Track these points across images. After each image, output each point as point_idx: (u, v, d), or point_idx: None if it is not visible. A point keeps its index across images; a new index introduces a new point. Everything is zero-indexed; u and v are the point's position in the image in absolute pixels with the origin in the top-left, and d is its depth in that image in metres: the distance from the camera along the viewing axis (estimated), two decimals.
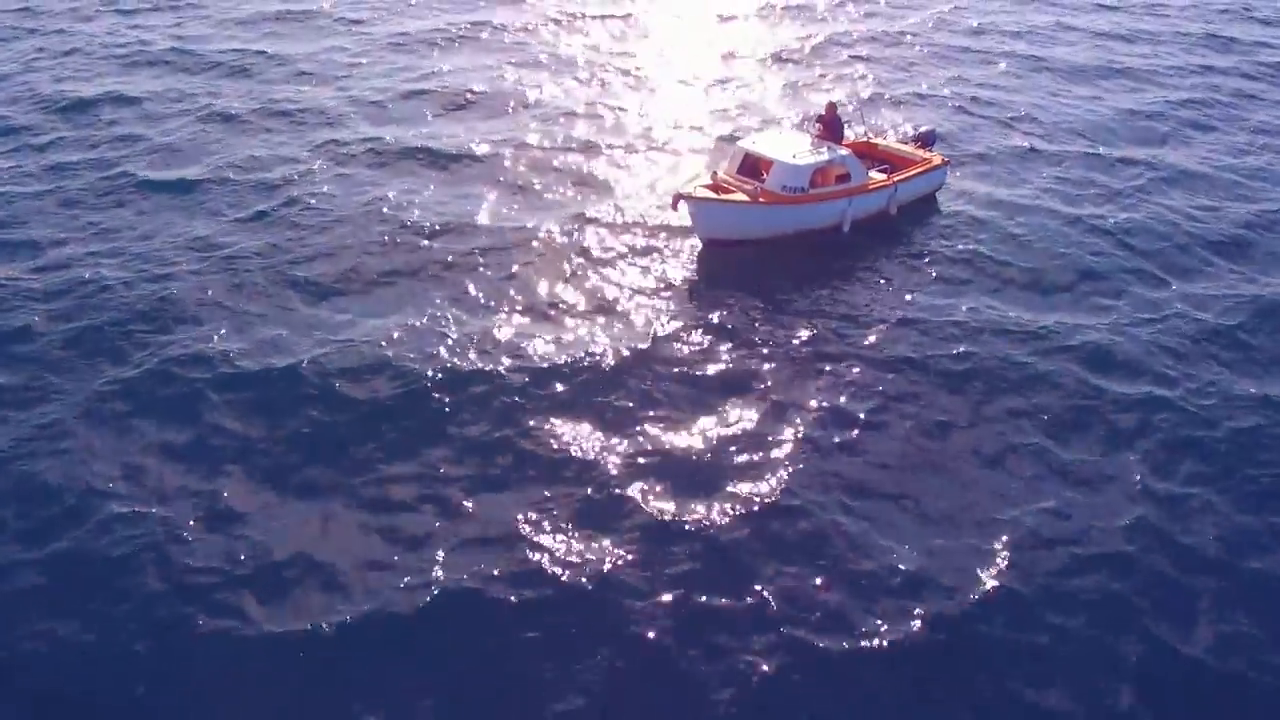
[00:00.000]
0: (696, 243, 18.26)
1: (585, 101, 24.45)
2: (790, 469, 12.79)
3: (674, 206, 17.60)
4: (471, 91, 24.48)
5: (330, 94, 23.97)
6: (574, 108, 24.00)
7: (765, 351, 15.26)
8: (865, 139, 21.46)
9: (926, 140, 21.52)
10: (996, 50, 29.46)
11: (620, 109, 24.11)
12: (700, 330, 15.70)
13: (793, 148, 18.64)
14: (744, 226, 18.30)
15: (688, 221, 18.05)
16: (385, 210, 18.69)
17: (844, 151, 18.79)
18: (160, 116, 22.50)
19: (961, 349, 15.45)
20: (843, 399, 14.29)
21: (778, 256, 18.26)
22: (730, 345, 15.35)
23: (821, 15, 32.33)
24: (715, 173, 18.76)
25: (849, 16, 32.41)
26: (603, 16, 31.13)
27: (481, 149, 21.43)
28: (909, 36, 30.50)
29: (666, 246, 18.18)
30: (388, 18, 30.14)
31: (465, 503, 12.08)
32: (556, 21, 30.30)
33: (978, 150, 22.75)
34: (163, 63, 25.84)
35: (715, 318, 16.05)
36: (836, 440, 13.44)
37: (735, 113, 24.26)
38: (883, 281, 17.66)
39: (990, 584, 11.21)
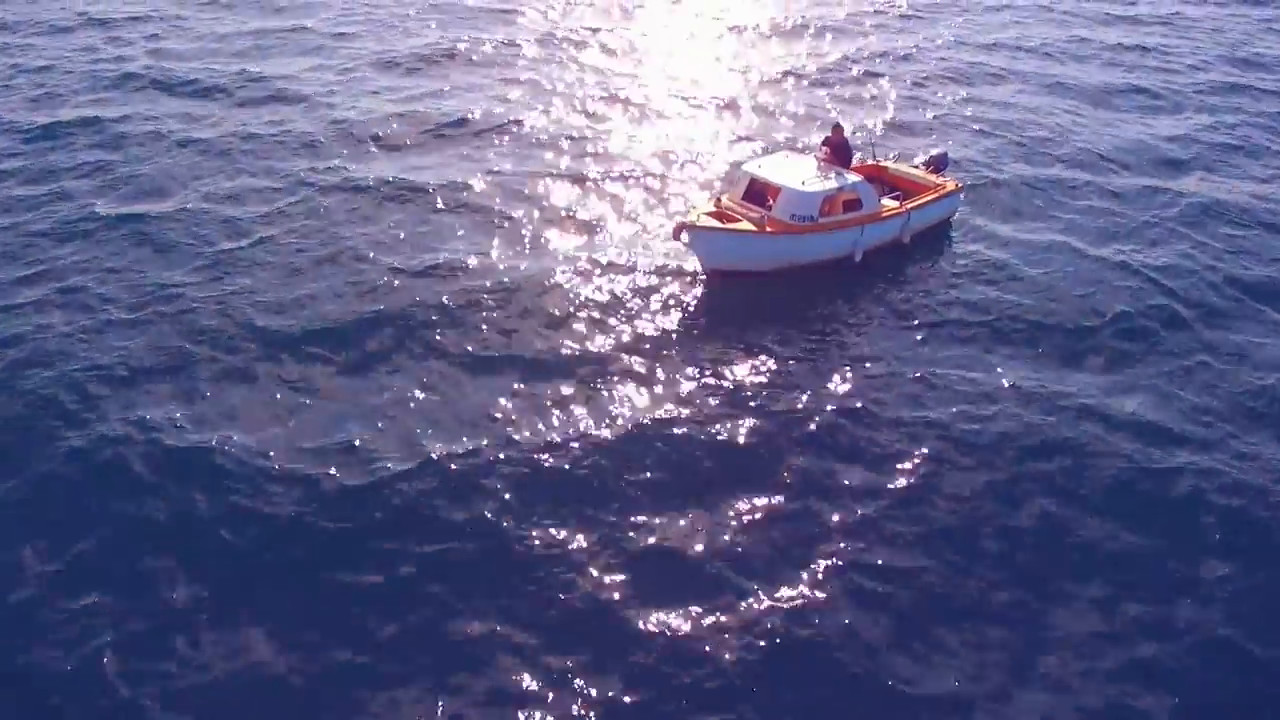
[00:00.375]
0: (698, 272, 17.07)
1: (582, 126, 23.24)
2: (798, 552, 11.55)
3: (676, 236, 16.39)
4: (461, 117, 23.25)
5: (310, 119, 22.76)
6: (569, 132, 22.81)
7: (770, 409, 14.03)
8: (874, 162, 20.25)
9: (939, 164, 20.31)
10: (1012, 68, 28.25)
11: (617, 132, 22.93)
12: (700, 388, 14.45)
13: (801, 173, 17.44)
14: (750, 257, 17.09)
15: (690, 250, 16.91)
16: (362, 251, 17.42)
17: (855, 178, 17.57)
18: (132, 143, 21.29)
19: (978, 409, 14.14)
20: (849, 465, 13.02)
21: (784, 290, 17.08)
22: (731, 406, 14.09)
23: (830, 31, 31.10)
24: (719, 199, 17.56)
25: (858, 32, 31.20)
26: (598, 32, 30.00)
27: (471, 179, 20.20)
28: (920, 52, 29.28)
29: (665, 281, 17.02)
30: (375, 33, 29.00)
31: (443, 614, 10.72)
32: (551, 41, 29.11)
33: (993, 176, 21.51)
34: (139, 83, 24.67)
35: (718, 373, 14.81)
36: (837, 518, 12.12)
37: (739, 134, 23.12)
38: (894, 326, 16.36)
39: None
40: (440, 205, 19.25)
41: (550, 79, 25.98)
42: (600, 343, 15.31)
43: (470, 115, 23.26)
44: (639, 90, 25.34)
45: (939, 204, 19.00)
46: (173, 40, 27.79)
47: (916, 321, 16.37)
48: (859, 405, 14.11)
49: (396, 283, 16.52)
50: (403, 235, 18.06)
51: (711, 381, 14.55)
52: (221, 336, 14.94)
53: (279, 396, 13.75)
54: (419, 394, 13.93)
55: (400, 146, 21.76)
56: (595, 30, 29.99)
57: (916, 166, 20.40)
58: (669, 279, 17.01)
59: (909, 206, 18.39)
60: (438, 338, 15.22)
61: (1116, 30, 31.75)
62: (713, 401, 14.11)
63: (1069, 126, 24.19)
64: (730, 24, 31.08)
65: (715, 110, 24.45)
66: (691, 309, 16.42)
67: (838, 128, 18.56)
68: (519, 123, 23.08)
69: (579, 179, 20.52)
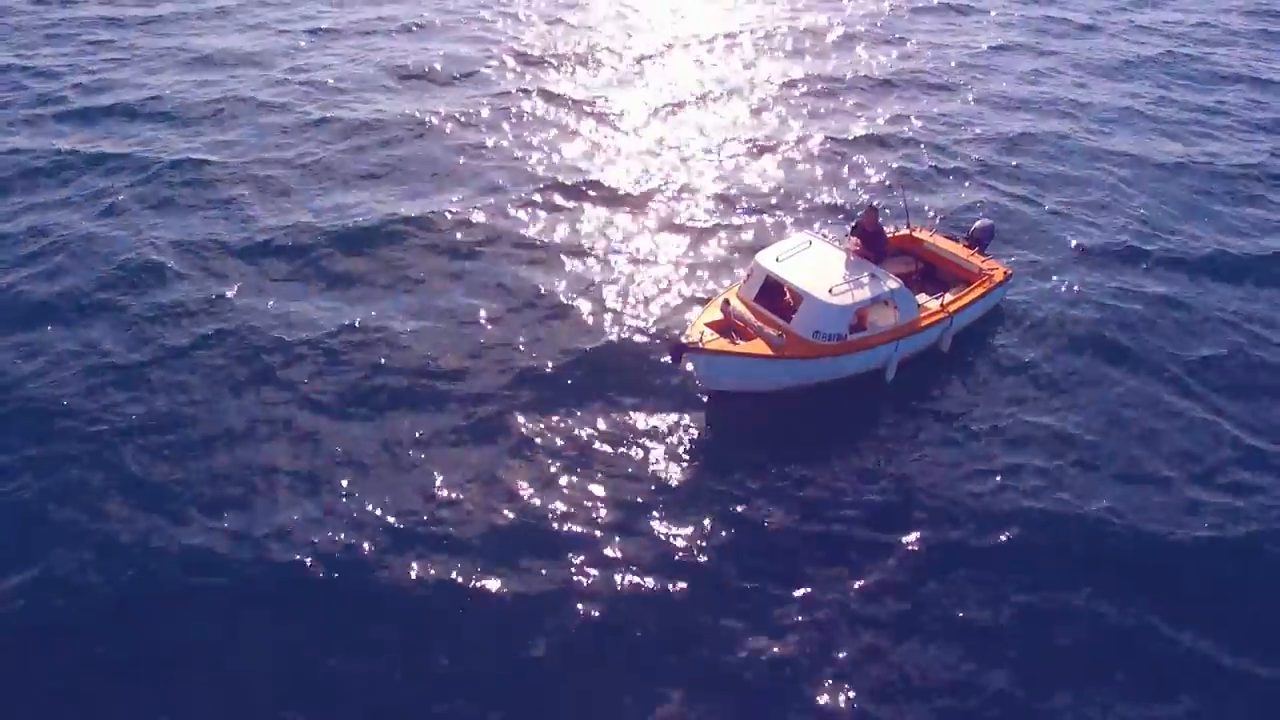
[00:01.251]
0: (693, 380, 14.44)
1: (563, 182, 20.20)
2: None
3: (674, 359, 13.55)
4: (434, 156, 20.28)
5: (248, 162, 19.60)
6: (550, 183, 19.81)
7: (783, 546, 12.07)
8: (908, 231, 17.38)
9: (982, 240, 17.47)
10: (1059, 104, 25.10)
11: (605, 194, 19.90)
12: (701, 517, 12.32)
13: (828, 273, 14.59)
14: (765, 381, 14.32)
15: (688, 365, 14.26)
16: (315, 335, 14.63)
17: (893, 283, 14.69)
18: (51, 203, 18.16)
19: (1026, 567, 11.95)
20: (873, 607, 11.27)
21: (798, 403, 14.40)
22: (740, 540, 12.09)
23: (844, 56, 27.83)
24: (726, 301, 14.70)
25: (879, 64, 27.90)
26: (586, 64, 26.65)
27: (436, 236, 17.31)
28: (952, 85, 26.09)
29: (652, 391, 14.38)
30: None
31: None
32: (527, 64, 25.78)
33: (1038, 251, 18.66)
34: (76, 118, 21.42)
35: (721, 504, 12.61)
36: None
37: (746, 192, 20.07)
38: (927, 446, 13.90)
39: None
40: (389, 266, 16.79)
41: (529, 120, 22.88)
42: (566, 459, 13.02)
43: (444, 156, 20.35)
44: (631, 132, 22.28)
45: (985, 299, 16.21)
46: (113, 71, 24.27)
47: (947, 440, 13.97)
48: (874, 527, 12.32)
49: (342, 371, 13.90)
50: (352, 308, 15.33)
51: (710, 506, 12.47)
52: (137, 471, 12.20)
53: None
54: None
55: (358, 197, 18.75)
56: (585, 64, 26.75)
57: (957, 240, 17.58)
58: (649, 383, 14.36)
59: (951, 307, 15.58)
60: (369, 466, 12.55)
61: (1187, 91, 27.13)
62: (712, 534, 12.04)
63: (1134, 179, 21.23)
64: (733, 52, 27.78)
65: (716, 159, 21.43)
66: (683, 427, 13.81)
67: (871, 211, 15.62)
68: (489, 167, 20.13)
69: (557, 249, 17.72)
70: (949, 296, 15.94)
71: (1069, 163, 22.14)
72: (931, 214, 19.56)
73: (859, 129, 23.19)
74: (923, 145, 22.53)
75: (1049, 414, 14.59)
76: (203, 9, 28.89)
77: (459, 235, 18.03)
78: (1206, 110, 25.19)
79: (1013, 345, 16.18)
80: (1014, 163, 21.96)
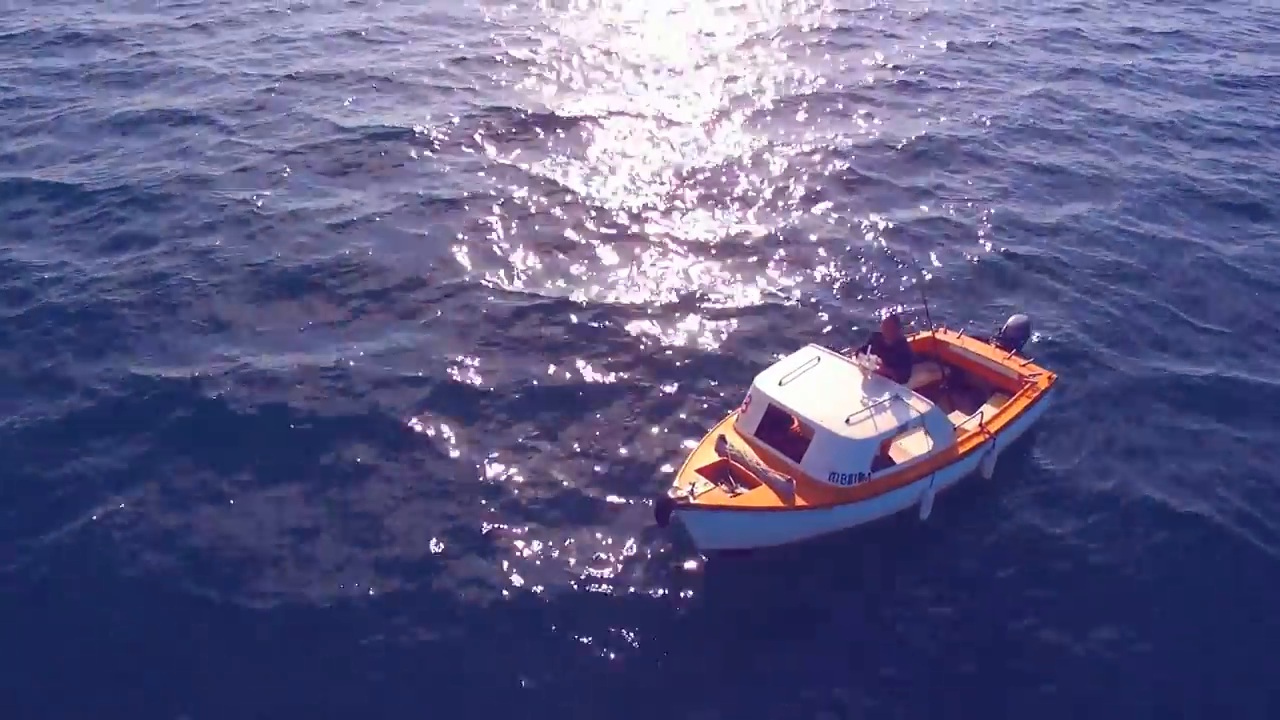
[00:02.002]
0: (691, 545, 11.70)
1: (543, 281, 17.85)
2: None
3: (661, 520, 10.90)
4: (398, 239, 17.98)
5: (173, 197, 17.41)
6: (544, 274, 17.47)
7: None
8: (928, 333, 14.90)
9: (1014, 339, 15.00)
10: (1112, 158, 22.82)
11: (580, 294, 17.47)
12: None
13: (842, 398, 12.04)
14: (774, 537, 11.63)
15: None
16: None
17: (924, 407, 12.09)
18: None
19: None
20: None
21: (812, 555, 11.71)
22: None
23: (861, 107, 25.78)
24: (722, 438, 12.11)
25: (905, 111, 25.84)
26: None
27: (397, 335, 14.80)
28: (986, 134, 23.95)
29: (636, 549, 11.67)
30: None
31: None
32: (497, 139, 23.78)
33: (1095, 356, 16.10)
34: None
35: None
36: None
37: (732, 291, 17.64)
38: (971, 616, 11.09)
39: None
40: (343, 356, 13.97)
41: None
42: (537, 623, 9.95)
43: (411, 255, 17.93)
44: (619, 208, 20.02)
45: (1031, 411, 13.63)
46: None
47: (997, 606, 11.14)
48: None
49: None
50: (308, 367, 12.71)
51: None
52: None
53: None
54: None
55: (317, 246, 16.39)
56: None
57: (987, 340, 15.09)
58: (632, 536, 11.64)
59: (993, 426, 12.99)
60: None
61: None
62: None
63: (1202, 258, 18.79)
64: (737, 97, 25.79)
65: (707, 246, 19.05)
66: (674, 588, 11.04)
67: (890, 322, 13.10)
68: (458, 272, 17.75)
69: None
70: (988, 411, 13.37)
71: (1114, 247, 19.71)
72: (953, 312, 17.11)
73: (871, 213, 20.91)
74: (942, 229, 20.18)
75: (1101, 553, 11.90)
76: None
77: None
78: None
79: (1059, 467, 13.54)
80: (1053, 247, 19.57)
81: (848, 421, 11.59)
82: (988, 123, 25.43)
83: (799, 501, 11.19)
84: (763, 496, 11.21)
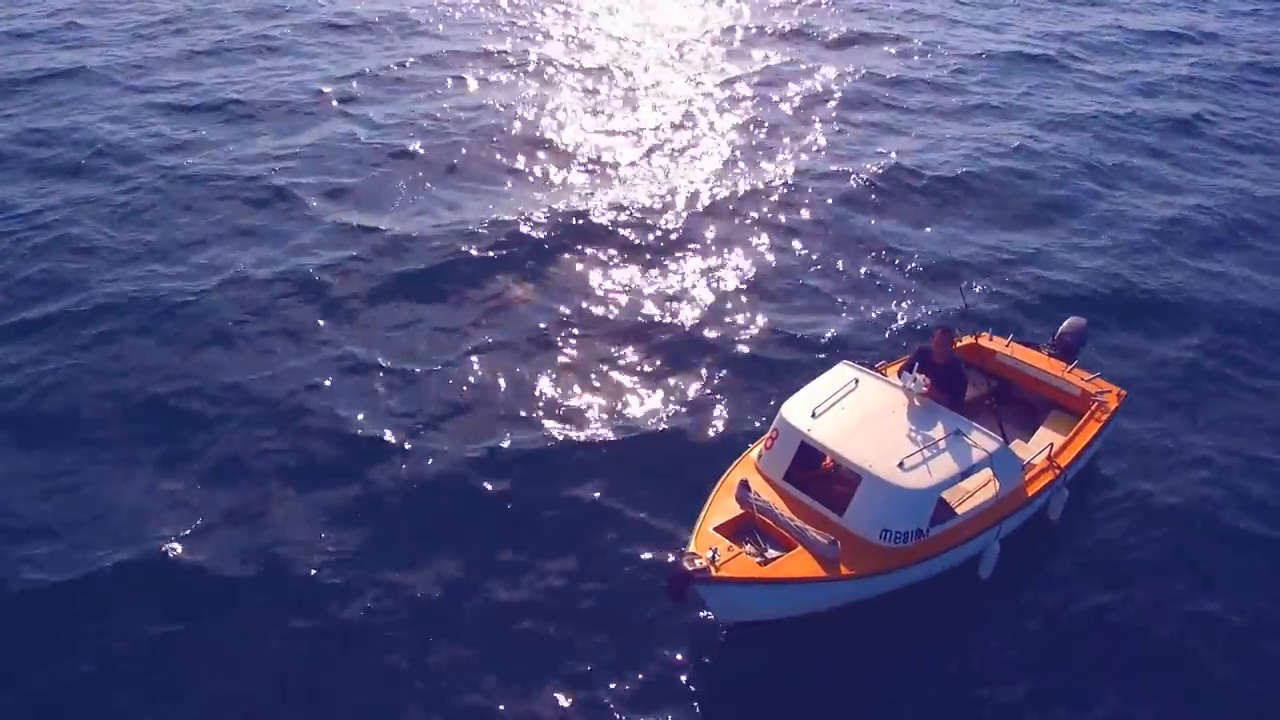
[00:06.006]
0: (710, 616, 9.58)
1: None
2: None
3: (676, 596, 8.75)
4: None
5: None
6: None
7: None
8: (972, 339, 12.82)
9: (1071, 345, 12.85)
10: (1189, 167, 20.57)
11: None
12: None
13: (890, 433, 9.91)
14: (812, 606, 9.50)
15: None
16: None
17: (991, 445, 9.90)
18: None
19: None
20: None
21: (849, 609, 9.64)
22: None
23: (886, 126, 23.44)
24: (745, 483, 9.92)
25: (935, 117, 23.46)
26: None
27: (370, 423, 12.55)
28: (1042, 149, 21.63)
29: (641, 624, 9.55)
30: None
31: None
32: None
33: (1166, 366, 14.10)
34: None
35: None
36: None
37: (760, 316, 15.38)
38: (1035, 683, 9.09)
39: None
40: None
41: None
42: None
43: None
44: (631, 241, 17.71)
45: (1101, 434, 11.56)
46: None
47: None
48: None
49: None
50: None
51: None
52: None
53: None
54: None
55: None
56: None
57: (1039, 348, 12.96)
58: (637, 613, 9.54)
59: (1063, 459, 10.90)
60: None
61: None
62: None
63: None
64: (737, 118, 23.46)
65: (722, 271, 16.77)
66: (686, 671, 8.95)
67: (943, 336, 10.84)
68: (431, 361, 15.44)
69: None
70: (1053, 438, 11.29)
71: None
72: (995, 310, 15.05)
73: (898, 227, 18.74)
74: (979, 220, 18.04)
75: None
76: None
77: None
78: None
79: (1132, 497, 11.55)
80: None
81: (901, 466, 9.45)
82: (1046, 118, 22.93)
83: (844, 571, 9.06)
84: (801, 563, 9.07)
